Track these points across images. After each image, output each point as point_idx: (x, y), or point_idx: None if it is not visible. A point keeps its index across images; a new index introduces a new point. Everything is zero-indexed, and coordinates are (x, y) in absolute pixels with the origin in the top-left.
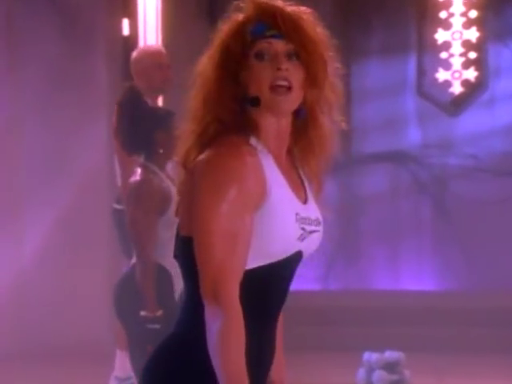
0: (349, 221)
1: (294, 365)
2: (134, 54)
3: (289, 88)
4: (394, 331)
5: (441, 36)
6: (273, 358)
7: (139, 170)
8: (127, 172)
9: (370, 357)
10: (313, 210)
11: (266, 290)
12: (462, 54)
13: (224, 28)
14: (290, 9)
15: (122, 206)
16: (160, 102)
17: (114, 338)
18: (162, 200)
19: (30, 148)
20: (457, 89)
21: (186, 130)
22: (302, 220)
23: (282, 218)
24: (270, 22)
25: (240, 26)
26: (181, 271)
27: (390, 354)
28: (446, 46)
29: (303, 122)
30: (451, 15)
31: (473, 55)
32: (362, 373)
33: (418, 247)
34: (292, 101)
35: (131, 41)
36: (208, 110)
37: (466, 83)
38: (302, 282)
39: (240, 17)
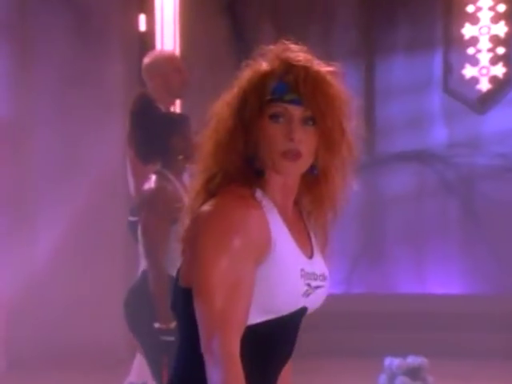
0: (373, 222)
1: (314, 370)
2: (148, 59)
3: (298, 155)
4: (419, 336)
5: (468, 31)
6: None
7: (154, 177)
8: (142, 181)
9: (392, 362)
10: (318, 265)
11: (269, 345)
12: (489, 50)
13: (245, 76)
14: (315, 70)
15: (137, 217)
16: (178, 105)
17: (130, 342)
18: (175, 208)
19: (43, 148)
20: (484, 85)
21: (197, 171)
22: (308, 276)
23: (287, 274)
24: (292, 85)
25: (261, 80)
26: (178, 324)
27: (412, 360)
28: (474, 41)
29: (315, 176)
30: (479, 9)
31: (501, 50)
32: (383, 379)
33: (444, 249)
34: (300, 167)
35: (148, 37)
36: (216, 159)
37: (493, 80)
38: None
39: (263, 67)
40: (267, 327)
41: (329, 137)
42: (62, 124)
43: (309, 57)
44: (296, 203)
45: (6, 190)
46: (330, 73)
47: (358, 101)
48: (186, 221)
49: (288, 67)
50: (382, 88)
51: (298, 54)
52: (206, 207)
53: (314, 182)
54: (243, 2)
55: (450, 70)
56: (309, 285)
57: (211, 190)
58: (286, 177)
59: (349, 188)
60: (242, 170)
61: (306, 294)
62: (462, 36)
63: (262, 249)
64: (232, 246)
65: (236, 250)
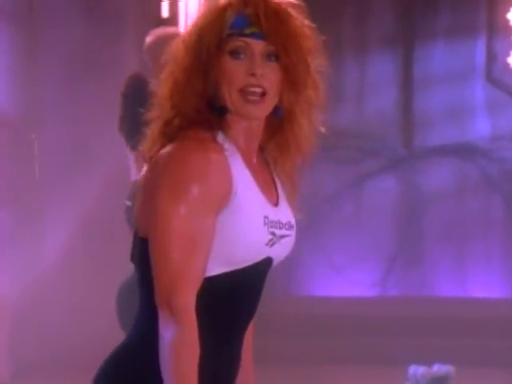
0: (410, 221)
1: (335, 377)
2: (150, 37)
3: (262, 94)
4: (454, 342)
5: None
6: (236, 375)
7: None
8: (140, 167)
9: (417, 370)
10: (284, 213)
11: (231, 299)
12: None
13: (201, 12)
14: (276, 2)
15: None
16: None
17: None
18: None
19: (51, 143)
20: None
21: (152, 118)
22: (272, 224)
23: (249, 221)
24: (252, 18)
25: (219, 14)
26: (136, 276)
27: (438, 368)
28: None
29: (280, 119)
30: None
31: None
32: None
33: (486, 250)
34: (265, 108)
35: (171, 24)
36: (173, 102)
37: None
38: (357, 288)
39: (221, 2)
40: (229, 279)
41: (293, 73)
42: (72, 117)
43: None
44: (261, 149)
45: (11, 188)
46: (292, 5)
47: (321, 41)
48: (143, 169)
49: (246, 0)
50: (421, 77)
51: None
52: (164, 153)
53: (279, 124)
54: None
55: (494, 58)
56: (273, 233)
57: (169, 134)
58: (250, 119)
59: (315, 130)
60: (201, 111)
61: (271, 244)
62: (507, 21)
63: (223, 196)
64: (190, 195)
65: (195, 199)
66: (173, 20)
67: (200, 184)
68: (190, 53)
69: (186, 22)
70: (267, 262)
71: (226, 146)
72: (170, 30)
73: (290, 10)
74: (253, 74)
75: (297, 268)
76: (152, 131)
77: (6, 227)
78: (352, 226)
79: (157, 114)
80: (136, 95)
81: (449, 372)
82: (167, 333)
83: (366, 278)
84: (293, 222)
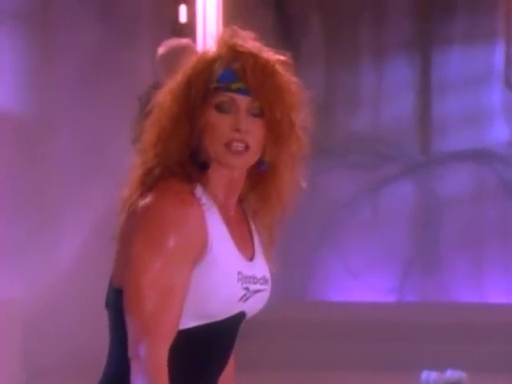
0: (427, 226)
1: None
2: (163, 49)
3: (246, 148)
4: (473, 348)
5: None
6: None
7: None
8: None
9: (429, 376)
10: (259, 268)
11: (203, 351)
12: None
13: (190, 62)
14: (264, 58)
15: None
16: None
17: None
18: None
19: (66, 147)
20: None
21: (135, 164)
22: (246, 279)
23: (223, 277)
24: (239, 73)
25: (208, 65)
26: (109, 324)
27: (451, 374)
28: None
29: (262, 172)
30: None
31: None
32: None
33: (504, 255)
34: (247, 159)
35: (188, 29)
36: (157, 150)
37: None
38: (373, 293)
39: (209, 54)
40: (202, 332)
41: (277, 129)
42: (86, 121)
43: (258, 44)
44: (240, 201)
45: (25, 193)
46: (280, 62)
47: (310, 94)
48: (121, 216)
49: (235, 54)
50: (438, 82)
51: (247, 40)
52: (141, 203)
53: (261, 178)
54: None
55: None
56: (247, 289)
57: (148, 183)
58: (232, 171)
59: (298, 186)
60: (183, 164)
61: (244, 299)
62: None
63: (198, 250)
64: (166, 247)
65: (170, 252)
66: (190, 25)
67: (175, 238)
68: (177, 102)
69: (204, 27)
70: (240, 316)
71: (204, 200)
72: (182, 41)
73: (277, 66)
74: (237, 130)
75: (314, 273)
76: (133, 178)
77: (19, 232)
78: (369, 231)
79: (140, 160)
80: (150, 100)
81: (461, 378)
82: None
83: (383, 284)
84: (268, 276)
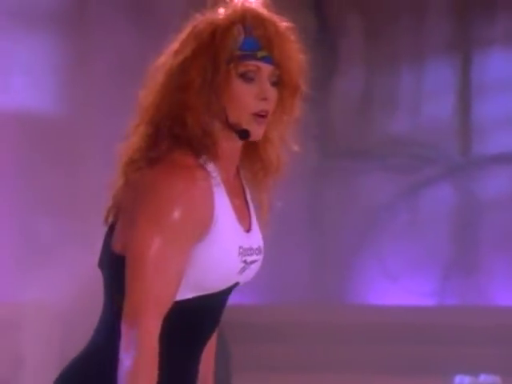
0: (466, 229)
1: None
2: None
3: (266, 117)
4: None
5: None
6: None
7: None
8: None
9: (462, 381)
10: (255, 239)
11: (197, 320)
12: None
13: (203, 27)
14: (283, 27)
15: None
16: None
17: None
18: None
19: (98, 149)
20: None
21: (134, 130)
22: (245, 252)
23: (225, 252)
24: (263, 42)
25: (227, 34)
26: (104, 286)
27: (484, 378)
28: None
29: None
30: None
31: None
32: None
33: None
34: (264, 128)
35: None
36: (171, 116)
37: None
38: (413, 297)
39: (226, 19)
40: (196, 303)
41: (289, 100)
42: (120, 123)
43: (269, 10)
44: (237, 172)
45: (57, 194)
46: (291, 29)
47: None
48: (121, 182)
49: (257, 20)
50: (479, 84)
51: (259, 5)
52: (150, 173)
53: (254, 145)
54: None
55: None
56: (245, 261)
57: (153, 156)
58: (251, 140)
59: (290, 151)
60: (211, 132)
61: (242, 271)
62: None
63: (204, 225)
64: (171, 225)
65: (174, 229)
66: None
67: (181, 215)
68: (198, 71)
69: None
70: (234, 286)
71: (214, 174)
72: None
73: (292, 36)
74: (264, 99)
75: (352, 276)
76: (131, 146)
77: (54, 233)
78: (408, 234)
79: (140, 129)
80: None
81: (495, 383)
82: (127, 357)
83: (422, 287)
84: (262, 245)
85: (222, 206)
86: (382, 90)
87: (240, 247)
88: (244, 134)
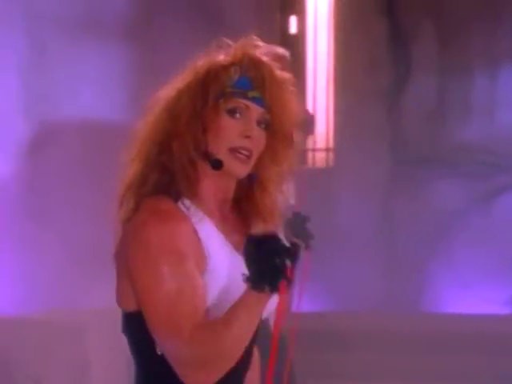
0: None
1: None
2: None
3: (248, 157)
4: None
5: None
6: None
7: None
8: None
9: None
10: None
11: None
12: None
13: (202, 65)
14: (279, 72)
15: None
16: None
17: None
18: None
19: None
20: None
21: (129, 164)
22: None
23: (228, 283)
24: (256, 83)
25: (223, 71)
26: (131, 349)
27: None
28: None
29: (250, 183)
30: None
31: None
32: None
33: None
34: (248, 168)
35: (299, 39)
36: (159, 144)
37: None
38: (487, 305)
39: (224, 58)
40: None
41: (280, 145)
42: None
43: (270, 57)
44: (238, 203)
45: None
46: (290, 80)
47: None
48: (118, 232)
49: (254, 64)
50: None
51: (262, 50)
52: (131, 225)
53: (249, 188)
54: (408, 1)
55: None
56: None
57: (142, 194)
58: (228, 177)
59: (285, 199)
60: (194, 162)
61: None
62: None
63: (198, 260)
64: (164, 269)
65: (170, 271)
66: (300, 36)
67: (170, 256)
68: (191, 103)
69: (315, 38)
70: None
71: (192, 211)
72: (279, 50)
73: (289, 83)
74: (247, 137)
75: (424, 284)
76: (127, 185)
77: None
78: (481, 241)
79: (135, 163)
80: None
81: None
82: (213, 347)
83: (496, 295)
84: None
85: (212, 239)
86: (455, 96)
87: (243, 274)
88: (216, 164)
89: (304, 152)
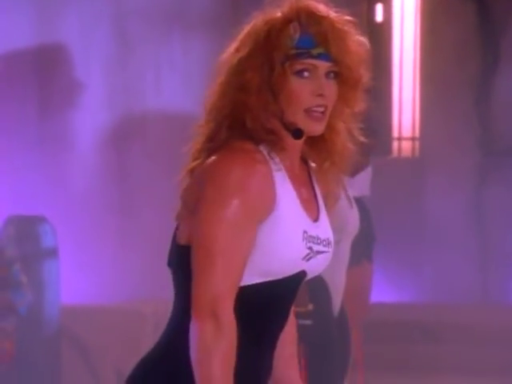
0: None
1: None
2: None
3: (323, 112)
4: None
5: None
6: (267, 380)
7: None
8: None
9: None
10: (323, 230)
11: (263, 309)
12: None
13: (260, 27)
14: (339, 22)
15: None
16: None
17: None
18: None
19: None
20: None
21: (198, 130)
22: (310, 239)
23: (289, 235)
24: (318, 38)
25: (283, 32)
26: (174, 282)
27: None
28: None
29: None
30: None
31: None
32: None
33: None
34: (325, 124)
35: (385, 28)
36: (231, 116)
37: None
38: None
39: (280, 17)
40: (263, 289)
41: (352, 92)
42: None
43: (327, 6)
44: (304, 162)
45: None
46: (349, 22)
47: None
48: (185, 181)
49: (314, 19)
50: None
51: (317, 3)
52: (209, 162)
53: (320, 136)
54: None
55: None
56: (310, 248)
57: (214, 147)
58: (311, 135)
59: (354, 140)
60: (274, 129)
61: (307, 258)
62: None
63: (265, 207)
64: (234, 206)
65: (237, 214)
66: (386, 24)
67: (243, 194)
68: (256, 72)
69: (402, 26)
70: (301, 276)
71: (272, 157)
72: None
73: (349, 28)
74: (320, 95)
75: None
76: (196, 145)
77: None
78: None
79: (204, 127)
80: None
81: None
82: (214, 342)
83: None
84: (331, 238)
85: (284, 190)
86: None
87: (305, 232)
88: (297, 134)
89: (389, 141)
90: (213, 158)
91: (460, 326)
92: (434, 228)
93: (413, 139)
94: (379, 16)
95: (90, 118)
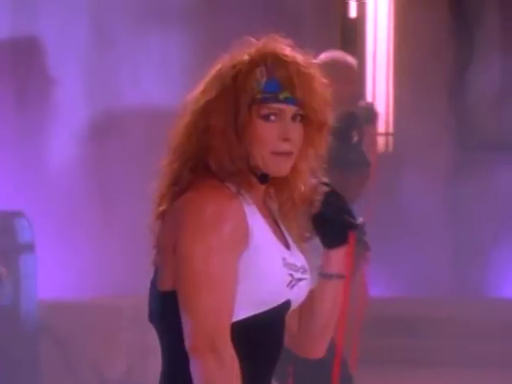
0: None
1: None
2: (323, 56)
3: (290, 155)
4: None
5: None
6: None
7: None
8: None
9: None
10: (297, 257)
11: (256, 343)
12: None
13: (227, 69)
14: (304, 66)
15: None
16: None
17: None
18: None
19: None
20: None
21: (164, 170)
22: (289, 266)
23: (270, 262)
24: (285, 82)
25: (250, 77)
26: (160, 332)
27: None
28: None
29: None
30: None
31: None
32: None
33: None
34: (291, 165)
35: (358, 24)
36: (196, 158)
37: None
38: None
39: (248, 60)
40: (253, 323)
41: (318, 135)
42: None
43: (293, 49)
44: (266, 198)
45: None
46: (314, 65)
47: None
48: (156, 227)
49: (278, 61)
50: None
51: (284, 46)
52: (179, 203)
53: (283, 177)
54: None
55: None
56: (291, 275)
57: (179, 190)
58: (277, 176)
59: (319, 181)
60: (241, 170)
61: (291, 285)
62: None
63: (242, 238)
64: (214, 241)
65: (218, 244)
66: (359, 21)
67: (221, 227)
68: (222, 116)
69: (375, 22)
70: (287, 306)
71: (241, 194)
72: (344, 58)
73: (314, 70)
74: (286, 139)
75: (489, 270)
76: (161, 187)
77: None
78: None
79: (167, 168)
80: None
81: None
82: (219, 376)
83: None
84: (306, 266)
85: (256, 221)
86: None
87: (283, 259)
88: (263, 179)
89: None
90: (183, 198)
91: (436, 319)
92: (409, 223)
93: (386, 134)
94: (353, 12)
95: (68, 113)
